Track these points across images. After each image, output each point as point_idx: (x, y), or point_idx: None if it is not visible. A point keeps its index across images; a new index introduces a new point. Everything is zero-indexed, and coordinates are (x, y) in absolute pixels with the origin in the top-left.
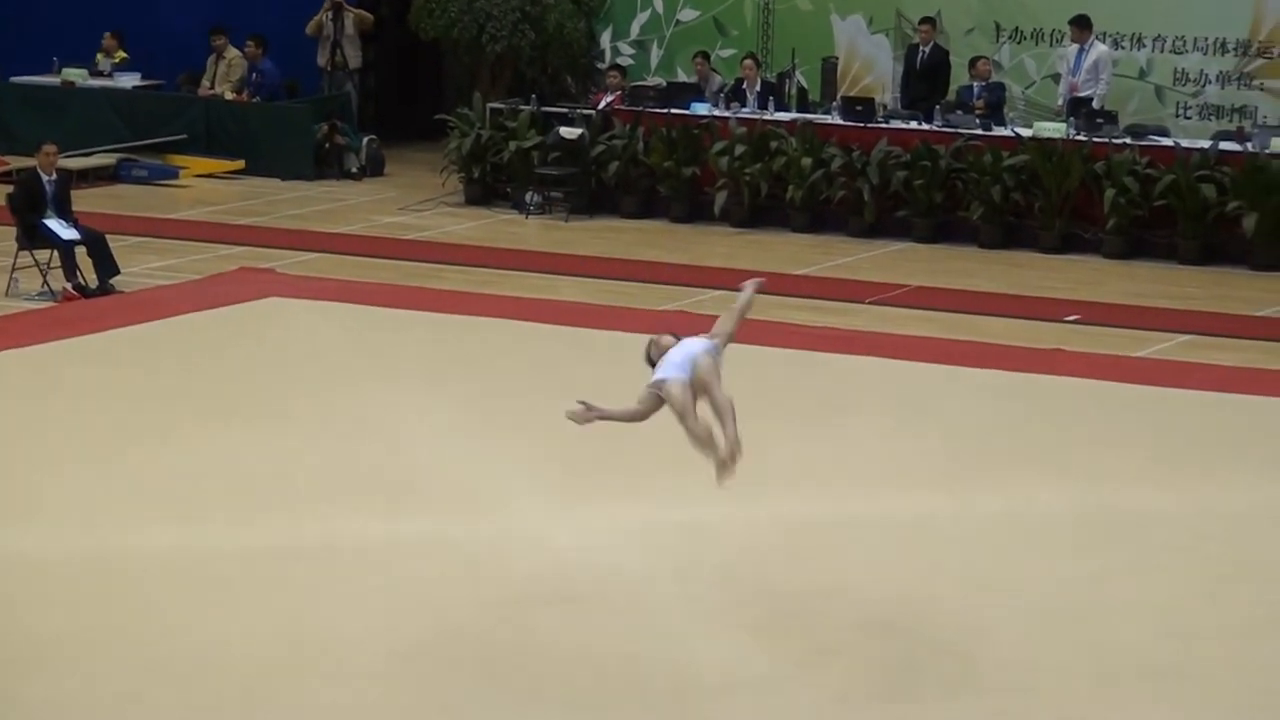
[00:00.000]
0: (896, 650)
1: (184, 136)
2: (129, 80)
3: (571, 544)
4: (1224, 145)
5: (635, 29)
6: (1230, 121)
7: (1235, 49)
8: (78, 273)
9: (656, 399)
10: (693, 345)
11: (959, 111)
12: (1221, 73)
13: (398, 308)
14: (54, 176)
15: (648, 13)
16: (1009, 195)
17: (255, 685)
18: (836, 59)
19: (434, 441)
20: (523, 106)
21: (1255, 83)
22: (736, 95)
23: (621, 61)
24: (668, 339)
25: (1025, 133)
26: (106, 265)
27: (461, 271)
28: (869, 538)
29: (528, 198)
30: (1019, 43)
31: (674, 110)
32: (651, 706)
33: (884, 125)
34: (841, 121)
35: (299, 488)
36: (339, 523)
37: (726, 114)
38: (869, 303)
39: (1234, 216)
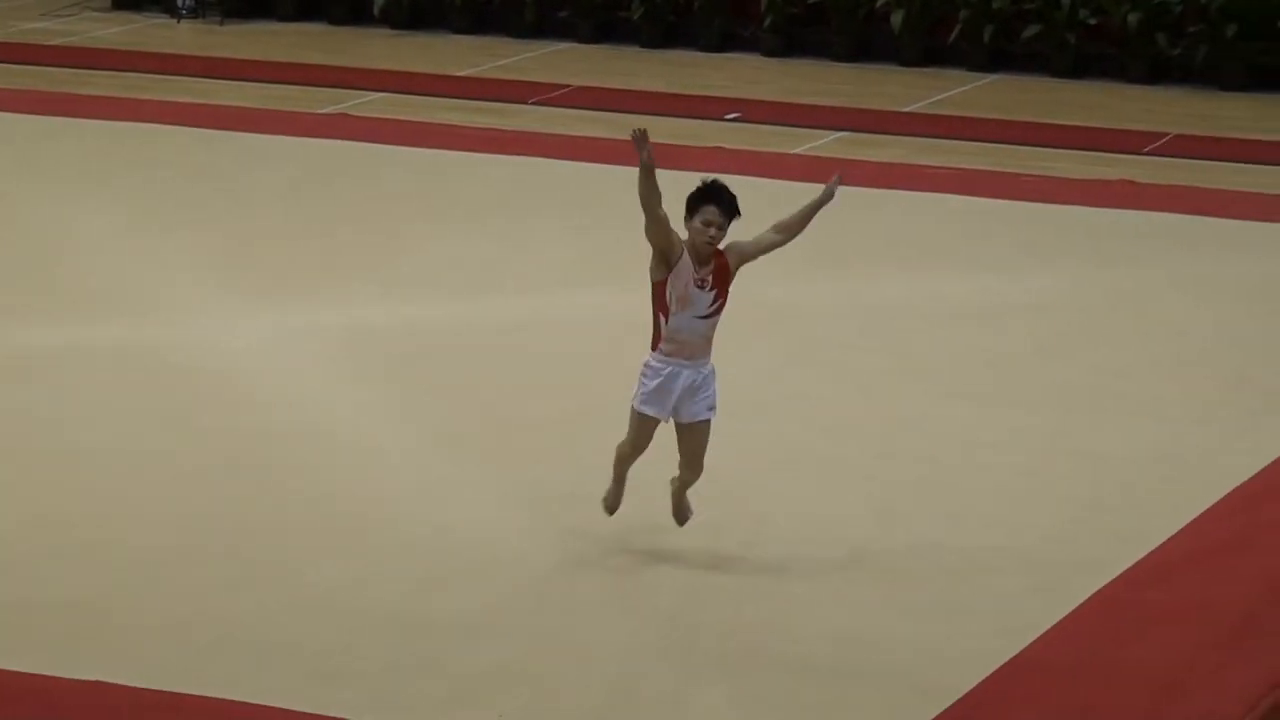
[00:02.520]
0: (562, 437)
1: None
2: None
3: (245, 347)
4: None
5: None
6: None
7: None
8: None
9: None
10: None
11: None
12: None
13: (46, 115)
14: None
15: None
16: None
17: None
18: None
19: (99, 249)
20: None
21: None
22: None
23: None
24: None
25: None
26: None
27: (111, 78)
28: (539, 337)
29: (179, 1)
30: None
31: None
32: (327, 481)
33: None
34: None
35: None
36: (2, 332)
37: None
38: (532, 103)
39: (883, 13)
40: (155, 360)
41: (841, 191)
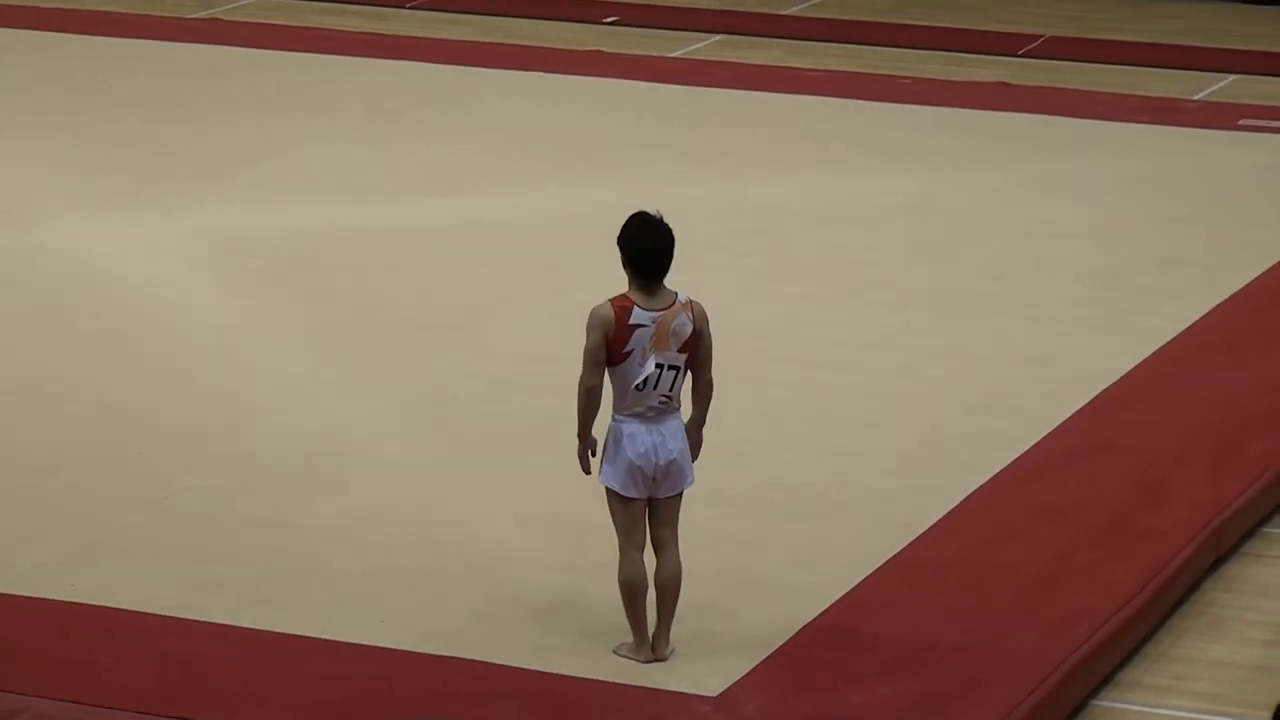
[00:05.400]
0: (438, 342)
1: None
2: None
3: (116, 253)
4: None
5: None
6: None
7: None
8: None
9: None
10: (665, 437)
11: None
12: None
13: None
14: None
15: None
16: None
17: None
18: None
19: None
20: None
21: None
22: None
23: None
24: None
25: None
26: None
27: None
28: (414, 242)
29: None
30: None
31: None
32: (200, 386)
33: None
34: None
35: None
36: None
37: None
38: (410, 8)
39: None
40: (22, 265)
41: (720, 93)
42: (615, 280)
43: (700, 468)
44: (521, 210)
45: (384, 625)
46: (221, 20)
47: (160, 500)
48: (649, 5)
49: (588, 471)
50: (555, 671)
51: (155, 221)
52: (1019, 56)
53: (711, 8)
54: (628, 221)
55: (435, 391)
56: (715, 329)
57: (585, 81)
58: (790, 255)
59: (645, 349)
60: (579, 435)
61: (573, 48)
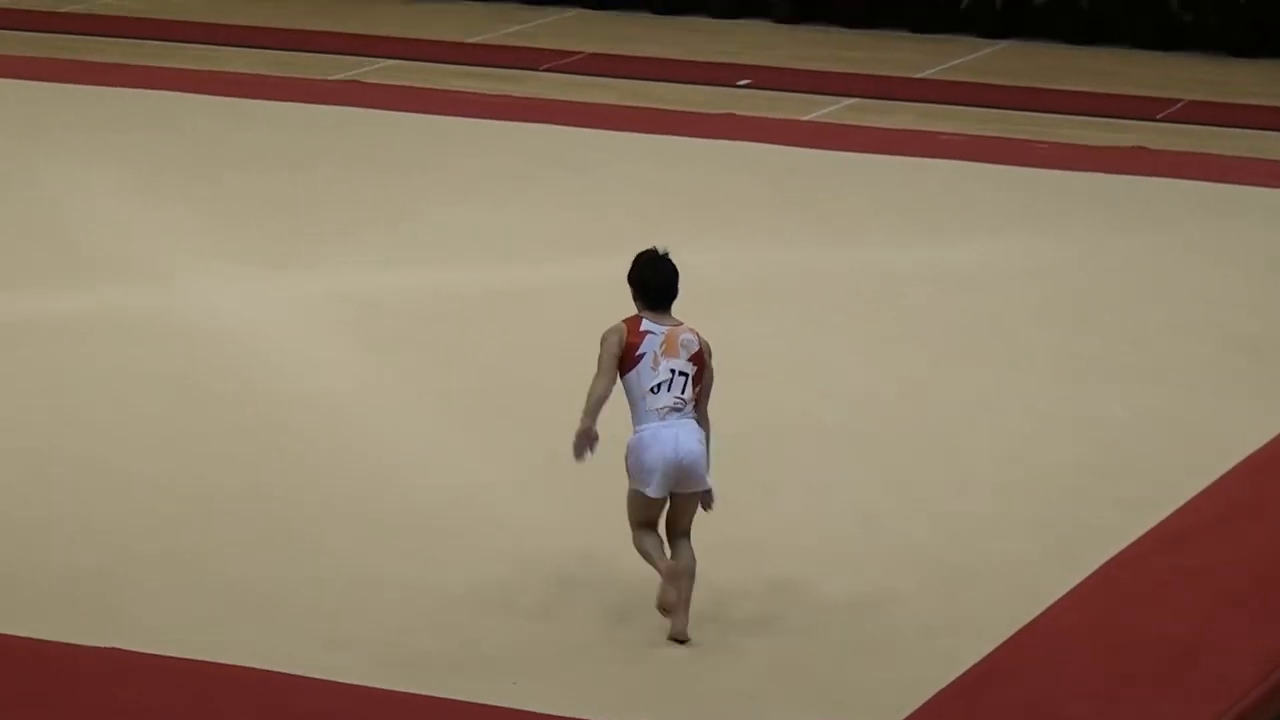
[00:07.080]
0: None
1: None
2: None
3: (242, 314)
4: None
5: None
6: None
7: None
8: None
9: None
10: (682, 433)
11: None
12: None
13: (55, 81)
14: None
15: None
16: None
17: None
18: None
19: (106, 216)
20: None
21: None
22: None
23: None
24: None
25: None
26: None
27: (121, 45)
28: (546, 303)
29: None
30: None
31: None
32: (335, 446)
33: None
34: None
35: None
36: (1, 300)
37: None
38: (544, 70)
39: None
40: (161, 327)
41: (852, 157)
42: (741, 341)
43: (831, 535)
44: None
45: (516, 687)
46: (361, 82)
47: (291, 559)
48: (782, 69)
49: (579, 458)
50: None
51: (288, 282)
52: (1157, 121)
53: (844, 71)
54: (635, 259)
55: (568, 452)
56: (842, 391)
57: (718, 144)
58: (921, 319)
59: (657, 354)
60: (582, 417)
61: (705, 111)
